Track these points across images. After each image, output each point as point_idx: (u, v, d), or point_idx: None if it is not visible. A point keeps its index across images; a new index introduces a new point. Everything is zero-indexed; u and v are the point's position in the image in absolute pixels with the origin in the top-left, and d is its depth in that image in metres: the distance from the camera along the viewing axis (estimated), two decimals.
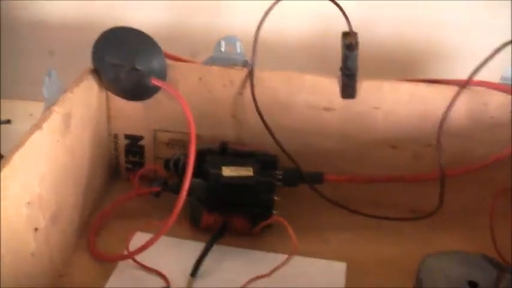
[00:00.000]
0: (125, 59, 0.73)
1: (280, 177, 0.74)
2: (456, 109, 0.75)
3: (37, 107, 1.00)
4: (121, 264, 0.70)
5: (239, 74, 0.77)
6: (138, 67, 0.73)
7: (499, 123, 0.75)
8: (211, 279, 0.69)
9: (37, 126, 0.63)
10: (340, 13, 0.70)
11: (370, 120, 0.77)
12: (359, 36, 0.73)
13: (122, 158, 0.84)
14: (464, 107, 0.75)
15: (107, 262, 0.71)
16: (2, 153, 0.84)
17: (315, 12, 0.92)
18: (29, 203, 0.60)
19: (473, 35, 0.91)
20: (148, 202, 0.78)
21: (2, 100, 1.03)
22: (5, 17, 1.01)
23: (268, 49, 0.77)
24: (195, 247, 0.72)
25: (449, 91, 0.75)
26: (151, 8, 0.96)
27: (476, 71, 0.72)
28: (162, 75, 0.75)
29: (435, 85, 0.76)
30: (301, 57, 0.95)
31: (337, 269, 0.71)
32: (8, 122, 0.96)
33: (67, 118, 0.68)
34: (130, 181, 0.81)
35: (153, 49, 0.74)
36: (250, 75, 0.76)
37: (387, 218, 0.77)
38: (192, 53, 0.85)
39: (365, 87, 0.76)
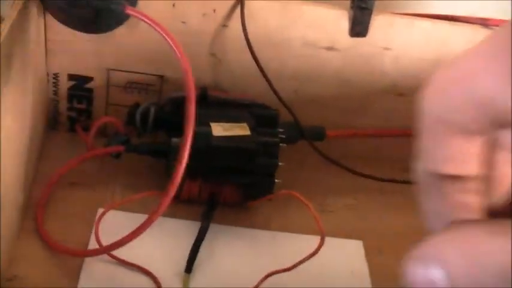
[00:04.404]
0: None
1: (283, 136, 0.60)
2: None
3: None
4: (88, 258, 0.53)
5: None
6: None
7: None
8: (211, 273, 0.54)
9: None
10: None
11: (377, 63, 0.64)
12: None
13: (64, 105, 0.64)
14: None
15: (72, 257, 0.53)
16: None
17: None
18: None
19: None
20: (104, 164, 0.61)
21: None
22: None
23: None
24: (179, 226, 0.57)
25: (469, 32, 0.63)
26: None
27: None
28: (133, 1, 0.56)
29: (455, 24, 0.64)
30: None
31: (355, 247, 0.60)
32: None
33: (8, 59, 0.48)
34: (79, 136, 0.62)
35: None
36: (241, 1, 0.59)
37: (393, 181, 0.66)
38: None
39: (375, 24, 0.62)
